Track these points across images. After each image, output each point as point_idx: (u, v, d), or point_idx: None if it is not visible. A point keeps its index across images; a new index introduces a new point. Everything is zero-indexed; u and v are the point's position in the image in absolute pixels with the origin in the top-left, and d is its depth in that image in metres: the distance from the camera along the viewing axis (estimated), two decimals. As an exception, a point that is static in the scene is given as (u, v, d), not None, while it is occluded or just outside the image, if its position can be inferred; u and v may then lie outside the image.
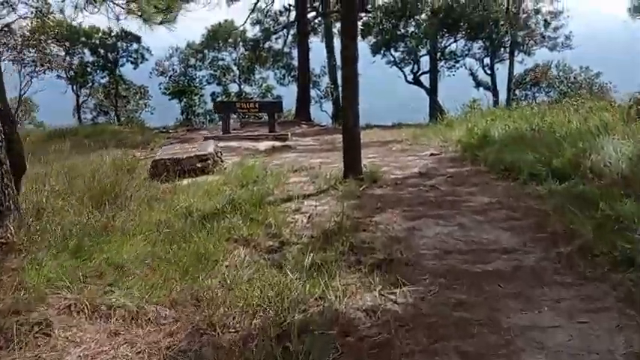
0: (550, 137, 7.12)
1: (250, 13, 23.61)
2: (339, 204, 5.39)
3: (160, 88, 24.97)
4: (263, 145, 12.69)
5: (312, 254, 3.88)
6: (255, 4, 23.26)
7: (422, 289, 3.27)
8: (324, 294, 3.14)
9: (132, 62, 23.73)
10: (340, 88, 7.86)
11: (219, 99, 24.49)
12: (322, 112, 24.07)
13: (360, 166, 6.59)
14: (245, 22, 24.01)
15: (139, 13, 5.60)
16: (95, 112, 24.68)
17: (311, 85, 23.59)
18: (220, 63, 25.75)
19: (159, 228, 4.72)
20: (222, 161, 8.87)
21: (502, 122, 9.64)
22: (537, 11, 22.74)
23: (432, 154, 8.83)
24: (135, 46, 23.53)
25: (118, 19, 5.74)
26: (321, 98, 24.47)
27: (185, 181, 7.24)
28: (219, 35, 24.80)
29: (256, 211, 5.10)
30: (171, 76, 25.09)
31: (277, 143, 12.96)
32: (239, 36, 25.06)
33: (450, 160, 8.21)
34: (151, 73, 25.00)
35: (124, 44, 23.46)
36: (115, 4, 5.41)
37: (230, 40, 25.26)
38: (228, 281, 3.49)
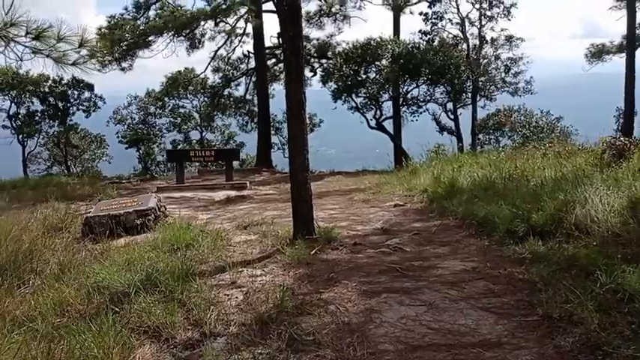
0: (524, 187, 6.43)
1: (210, 61, 23.31)
2: (285, 274, 4.47)
3: (118, 137, 24.16)
4: (219, 195, 11.87)
5: (238, 353, 2.93)
6: (216, 52, 22.99)
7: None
8: None
9: (84, 111, 22.79)
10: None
11: (179, 146, 23.91)
12: (285, 158, 23.47)
13: (312, 225, 5.65)
14: (205, 70, 23.77)
15: (46, 53, 4.74)
16: (49, 162, 23.56)
17: (273, 132, 23.21)
18: (181, 110, 25.26)
19: (53, 315, 3.74)
20: (165, 216, 8.01)
21: (469, 169, 9.00)
22: (497, 57, 23.01)
23: (396, 205, 8.05)
24: (87, 94, 22.77)
25: (20, 60, 4.86)
26: (284, 145, 23.96)
27: (119, 241, 6.36)
28: (180, 83, 24.28)
29: (180, 286, 4.10)
30: (129, 124, 24.39)
31: (233, 193, 12.21)
32: (199, 83, 24.65)
33: (415, 211, 7.42)
34: (108, 121, 24.24)
35: (75, 92, 22.51)
36: (15, 42, 4.53)
37: (191, 88, 24.81)
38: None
